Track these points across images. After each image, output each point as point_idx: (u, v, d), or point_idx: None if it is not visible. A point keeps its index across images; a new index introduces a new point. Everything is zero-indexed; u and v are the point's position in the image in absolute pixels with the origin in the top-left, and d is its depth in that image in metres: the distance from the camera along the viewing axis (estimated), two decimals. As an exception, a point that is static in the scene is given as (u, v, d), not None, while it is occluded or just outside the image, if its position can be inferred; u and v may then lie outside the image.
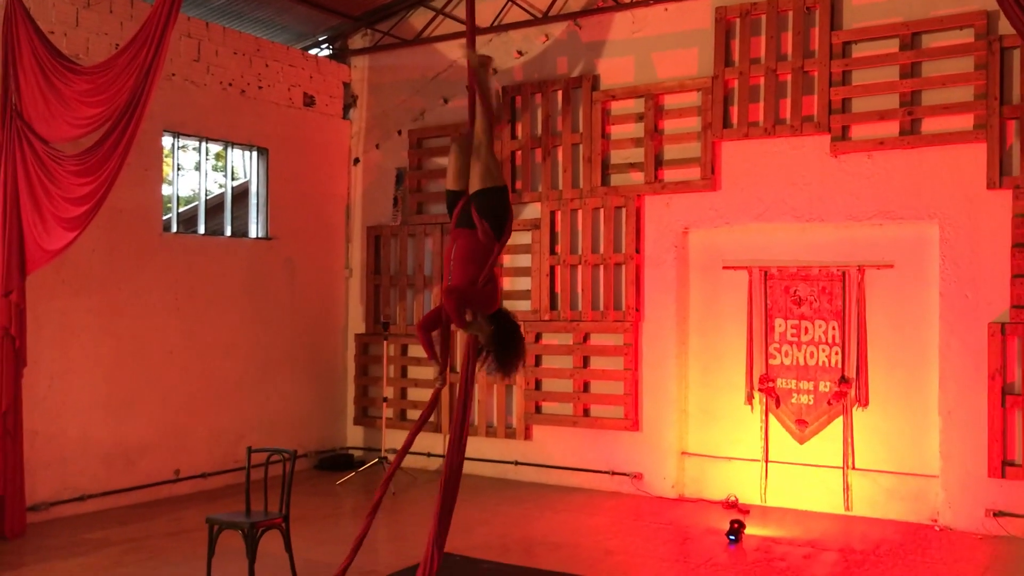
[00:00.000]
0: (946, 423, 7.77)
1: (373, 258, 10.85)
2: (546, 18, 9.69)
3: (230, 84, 9.60)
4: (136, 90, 6.84)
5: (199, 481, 9.15)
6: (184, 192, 10.31)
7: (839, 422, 8.33)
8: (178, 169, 9.52)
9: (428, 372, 10.25)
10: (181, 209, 9.92)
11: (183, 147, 9.80)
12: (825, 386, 8.42)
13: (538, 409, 9.68)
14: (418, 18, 10.53)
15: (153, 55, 6.79)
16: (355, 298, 11.04)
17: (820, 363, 8.45)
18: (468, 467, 9.97)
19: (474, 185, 5.53)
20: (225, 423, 9.48)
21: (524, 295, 9.81)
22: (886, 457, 8.14)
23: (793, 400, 8.55)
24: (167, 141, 9.17)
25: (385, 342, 10.15)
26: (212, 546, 5.92)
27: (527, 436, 9.69)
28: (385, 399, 10.01)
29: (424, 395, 10.22)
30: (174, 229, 9.40)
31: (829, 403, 8.39)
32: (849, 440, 8.27)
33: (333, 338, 10.91)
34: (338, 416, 10.92)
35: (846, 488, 8.23)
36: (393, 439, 9.84)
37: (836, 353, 8.39)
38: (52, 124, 7.29)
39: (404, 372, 10.62)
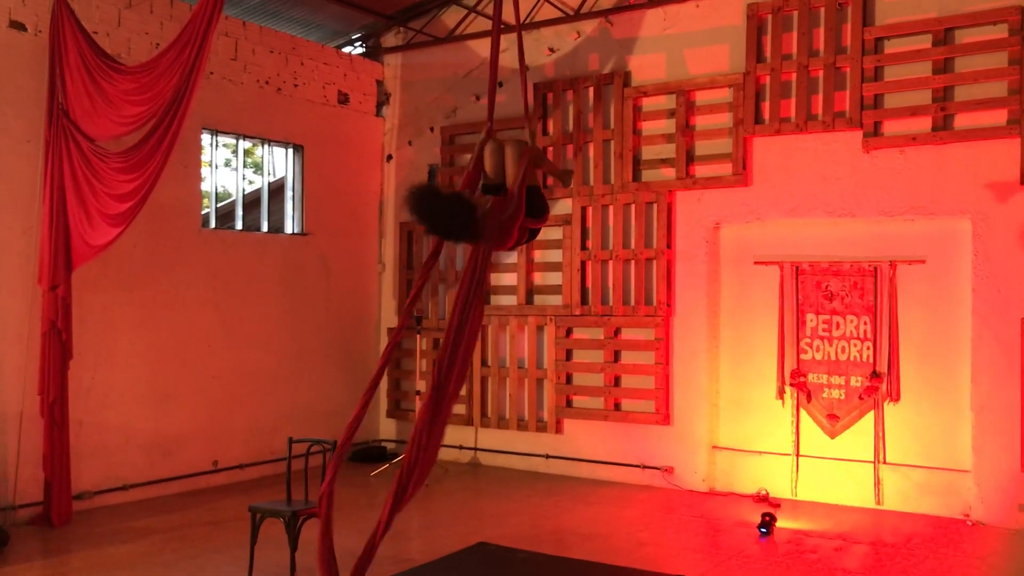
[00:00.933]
0: (978, 418, 7.78)
1: (406, 253, 10.99)
2: (578, 15, 9.77)
3: (266, 82, 9.77)
4: (179, 89, 7.01)
5: (236, 472, 9.33)
6: (221, 188, 10.53)
7: (870, 416, 8.36)
8: (215, 165, 9.66)
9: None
10: (219, 205, 10.08)
11: (228, 148, 9.96)
12: (856, 381, 8.45)
13: (569, 403, 9.78)
14: (450, 16, 10.64)
15: (196, 54, 6.95)
16: (388, 293, 11.18)
17: (851, 358, 8.49)
18: (500, 459, 10.19)
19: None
20: (261, 415, 9.66)
21: (555, 290, 9.91)
22: (917, 452, 8.17)
23: (824, 395, 8.59)
24: (205, 138, 9.35)
25: (418, 336, 10.29)
26: (255, 534, 6.07)
27: (558, 430, 9.80)
28: (418, 392, 10.15)
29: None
30: (212, 225, 9.58)
31: (860, 398, 8.43)
32: (880, 435, 8.30)
33: (366, 332, 11.07)
34: (371, 409, 11.06)
35: (877, 482, 8.26)
36: (426, 432, 9.96)
37: (868, 348, 8.42)
38: (97, 122, 7.49)
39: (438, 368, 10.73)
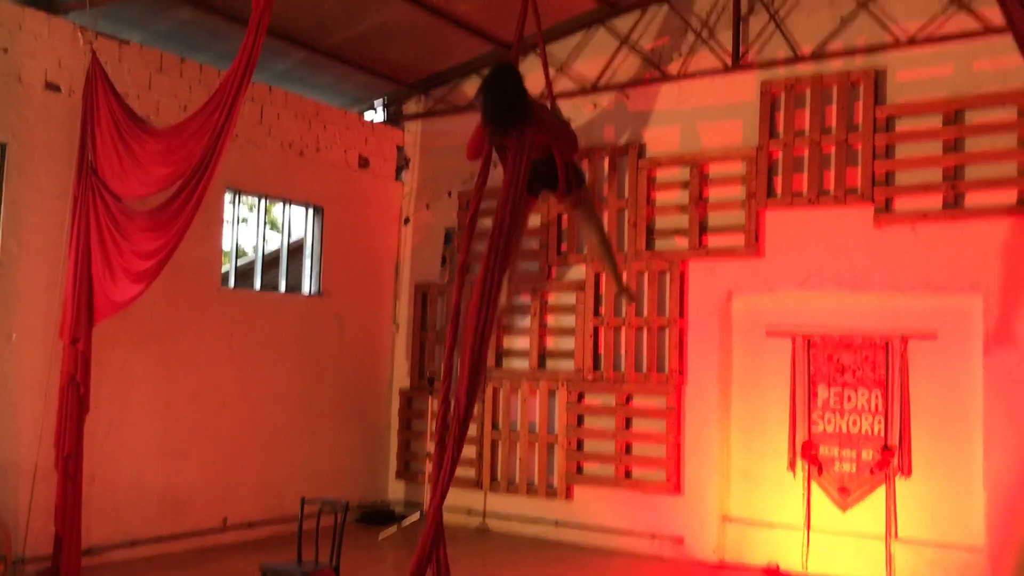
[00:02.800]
0: (991, 494, 7.75)
1: (420, 314, 11.10)
2: (594, 88, 10.01)
3: (290, 145, 10.00)
4: (207, 151, 7.19)
5: (246, 531, 9.32)
6: (241, 246, 10.79)
7: (882, 491, 8.33)
8: (237, 223, 9.84)
9: (471, 429, 10.37)
10: (239, 263, 10.25)
11: (246, 206, 10.16)
12: (868, 454, 8.44)
13: (579, 469, 9.77)
14: (470, 86, 10.89)
15: (224, 119, 7.14)
16: (400, 353, 11.26)
17: (863, 431, 8.49)
18: (508, 526, 10.13)
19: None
20: (272, 473, 9.68)
21: (567, 355, 9.97)
22: (930, 527, 8.11)
23: (836, 467, 8.57)
24: (228, 198, 9.54)
25: (430, 397, 10.34)
26: (265, 594, 6.07)
27: (568, 496, 9.77)
28: (428, 454, 10.13)
29: (466, 451, 10.35)
30: (231, 283, 9.72)
31: (872, 471, 8.41)
32: (892, 509, 8.26)
33: (378, 392, 11.12)
34: (380, 469, 11.08)
35: (888, 558, 8.19)
36: (435, 495, 9.94)
37: (879, 421, 8.42)
38: (125, 182, 7.67)
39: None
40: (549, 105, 6.94)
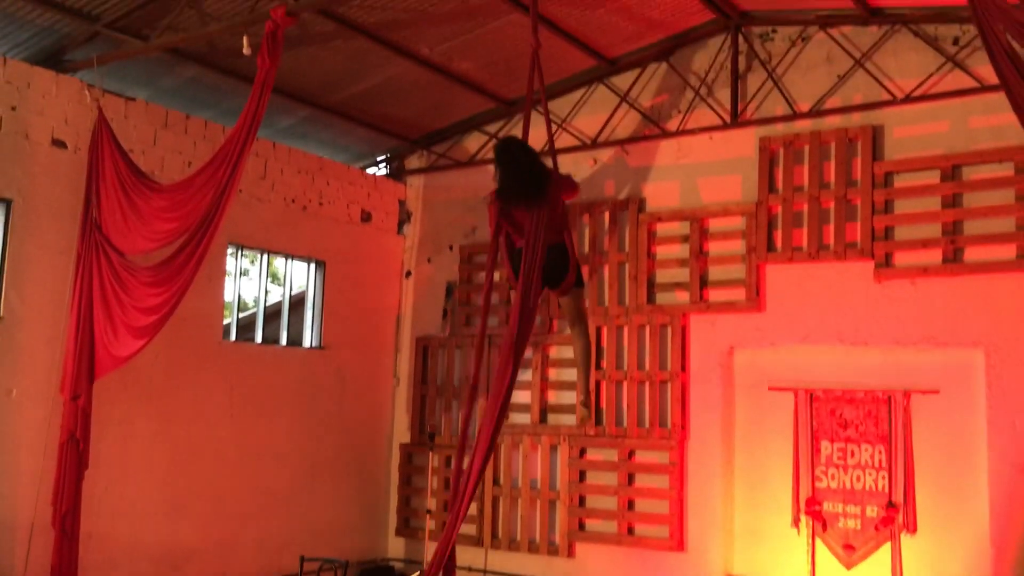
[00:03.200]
0: (998, 552, 7.66)
1: (421, 368, 11.07)
2: (595, 144, 10.12)
3: (293, 200, 10.08)
4: (211, 207, 7.25)
5: (243, 589, 9.21)
6: (242, 298, 10.83)
7: (887, 548, 8.24)
8: (238, 275, 9.87)
9: (472, 484, 10.31)
10: (241, 315, 10.26)
11: (247, 259, 10.20)
12: (872, 511, 8.36)
13: (582, 526, 9.67)
14: (472, 142, 11.03)
15: (229, 175, 7.21)
16: (401, 408, 11.21)
17: (867, 487, 8.42)
18: (512, 584, 9.99)
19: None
20: (271, 530, 9.58)
21: (569, 409, 9.91)
22: (937, 586, 8.01)
23: (840, 524, 8.49)
24: (230, 251, 9.59)
25: (430, 452, 10.27)
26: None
27: (570, 553, 9.65)
28: (429, 511, 10.06)
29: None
30: (233, 336, 9.71)
31: (877, 528, 8.32)
32: (898, 567, 8.16)
33: (378, 447, 11.05)
34: (380, 526, 10.96)
35: (896, 617, 8.08)
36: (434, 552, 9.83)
37: (883, 477, 8.36)
38: (129, 238, 7.72)
39: (447, 484, 10.66)
40: (551, 160, 7.04)
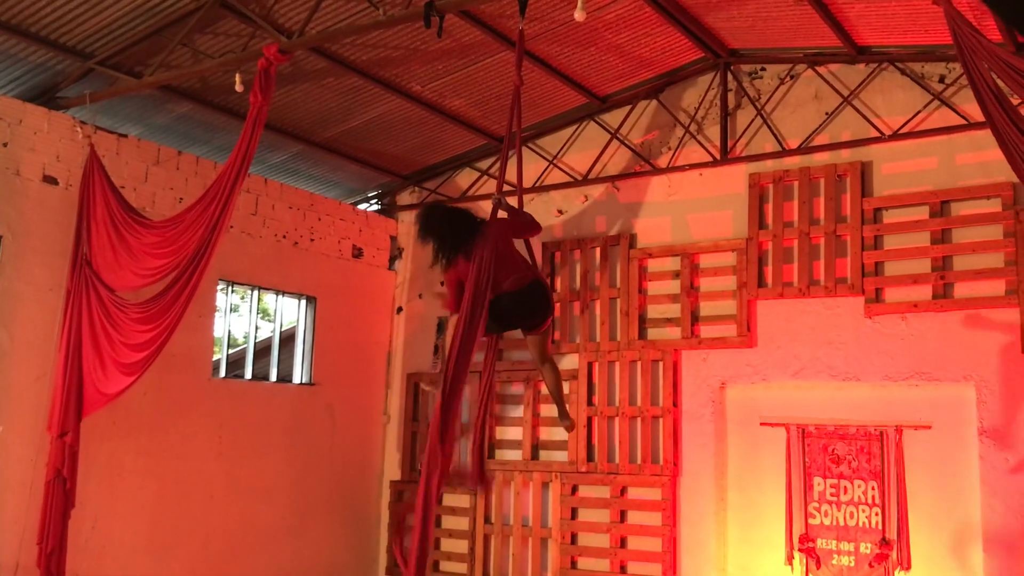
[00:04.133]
0: (993, 590, 7.62)
1: (412, 404, 11.01)
2: (585, 180, 10.16)
3: (284, 236, 10.07)
4: (202, 243, 7.24)
5: (230, 630, 9.06)
6: (232, 334, 10.78)
7: (882, 586, 8.19)
8: (228, 312, 9.82)
9: (463, 523, 10.23)
10: (230, 351, 10.20)
11: (237, 294, 10.17)
12: (866, 547, 8.31)
13: (574, 564, 9.57)
14: (463, 178, 11.07)
15: (220, 211, 7.21)
16: (392, 444, 11.13)
17: (860, 523, 8.38)
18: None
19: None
20: (261, 569, 9.45)
21: (561, 445, 9.87)
22: (932, 624, 7.95)
23: (834, 561, 8.43)
24: (220, 287, 9.56)
25: (421, 490, 10.15)
26: None
27: (562, 591, 9.56)
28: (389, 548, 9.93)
29: (459, 546, 10.19)
30: (222, 373, 9.66)
31: (871, 565, 8.26)
32: (893, 605, 8.10)
33: (368, 484, 10.95)
34: (370, 564, 10.83)
35: (892, 656, 8.00)
36: (426, 590, 9.72)
37: (876, 514, 8.32)
38: (119, 274, 7.70)
39: (439, 522, 10.57)
40: (517, 197, 7.17)
